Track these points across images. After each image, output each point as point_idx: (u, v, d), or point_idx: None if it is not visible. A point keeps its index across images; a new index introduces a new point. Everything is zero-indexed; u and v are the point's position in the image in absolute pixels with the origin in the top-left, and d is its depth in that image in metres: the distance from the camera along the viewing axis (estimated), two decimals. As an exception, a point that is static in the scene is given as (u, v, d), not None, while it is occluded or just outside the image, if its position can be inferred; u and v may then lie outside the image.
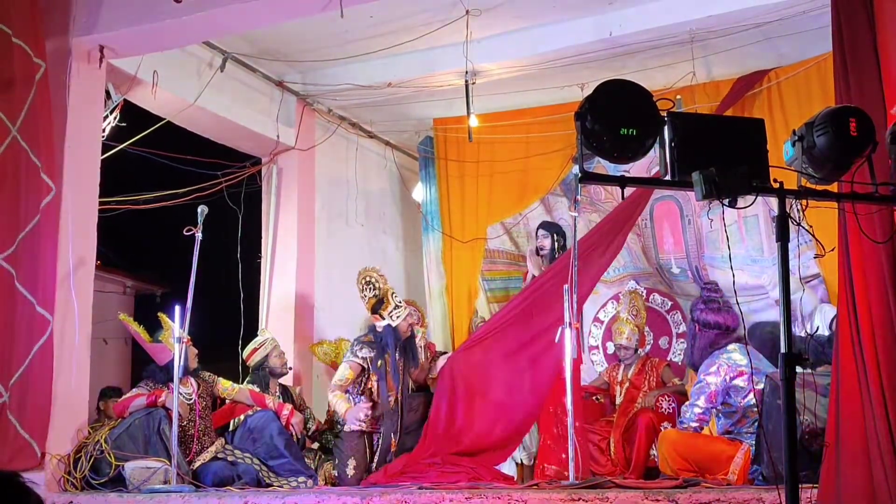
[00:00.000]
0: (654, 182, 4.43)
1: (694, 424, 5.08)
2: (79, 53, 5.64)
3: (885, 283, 3.76)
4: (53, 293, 5.22)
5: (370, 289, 6.01)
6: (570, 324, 5.15)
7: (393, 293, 6.02)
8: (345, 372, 5.90)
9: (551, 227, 7.01)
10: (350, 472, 5.74)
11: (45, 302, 5.19)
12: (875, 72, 3.97)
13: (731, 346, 5.16)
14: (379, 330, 5.95)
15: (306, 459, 5.89)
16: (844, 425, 3.77)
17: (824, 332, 5.63)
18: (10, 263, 5.22)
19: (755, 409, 4.94)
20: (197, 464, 5.46)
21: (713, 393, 5.02)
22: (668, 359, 6.98)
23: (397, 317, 5.93)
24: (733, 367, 5.05)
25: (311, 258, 7.62)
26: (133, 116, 6.63)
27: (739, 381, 5.03)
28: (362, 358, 5.92)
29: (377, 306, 5.95)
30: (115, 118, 6.32)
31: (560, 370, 5.42)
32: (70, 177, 5.49)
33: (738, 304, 5.37)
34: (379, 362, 5.89)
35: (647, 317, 6.51)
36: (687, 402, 5.25)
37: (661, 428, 5.75)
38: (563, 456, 5.60)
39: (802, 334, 5.72)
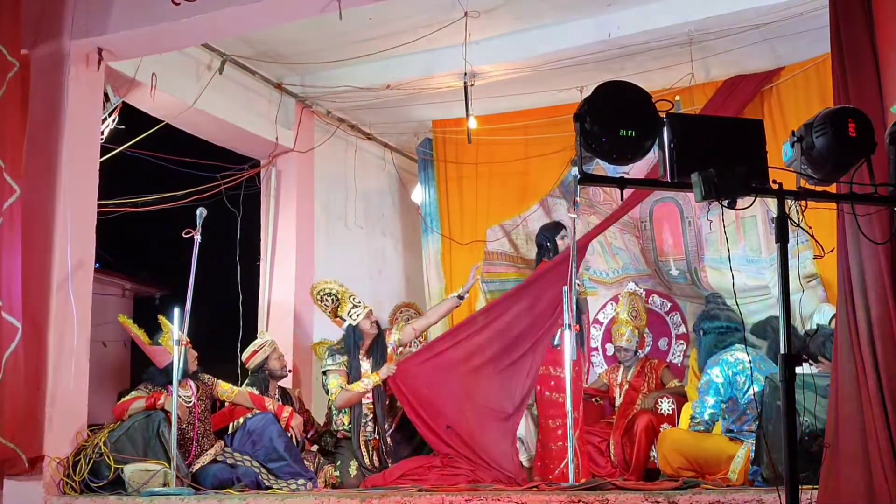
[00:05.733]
0: (654, 183, 4.43)
1: (706, 418, 5.08)
2: (77, 56, 5.63)
3: (884, 283, 3.76)
4: (20, 298, 5.13)
5: (330, 298, 6.08)
6: (569, 325, 5.16)
7: (350, 295, 6.09)
8: (336, 382, 5.93)
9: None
10: (353, 472, 5.75)
11: (12, 308, 5.11)
12: (873, 73, 3.96)
13: (735, 346, 5.17)
14: (345, 333, 6.06)
15: (306, 462, 5.88)
16: (844, 426, 3.76)
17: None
18: None
19: (756, 406, 4.94)
20: (196, 466, 5.46)
21: (721, 385, 5.02)
22: (668, 360, 6.98)
23: (357, 315, 6.01)
24: (736, 363, 5.05)
25: (311, 260, 7.62)
26: (132, 119, 6.64)
27: (741, 378, 5.04)
28: (339, 364, 5.99)
29: (337, 311, 6.06)
30: (113, 120, 6.32)
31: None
32: (68, 179, 5.49)
33: (737, 304, 5.37)
34: (352, 363, 5.97)
35: (646, 318, 6.51)
36: (696, 400, 5.24)
37: (661, 429, 5.75)
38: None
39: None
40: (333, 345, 6.14)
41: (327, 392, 6.06)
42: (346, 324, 6.04)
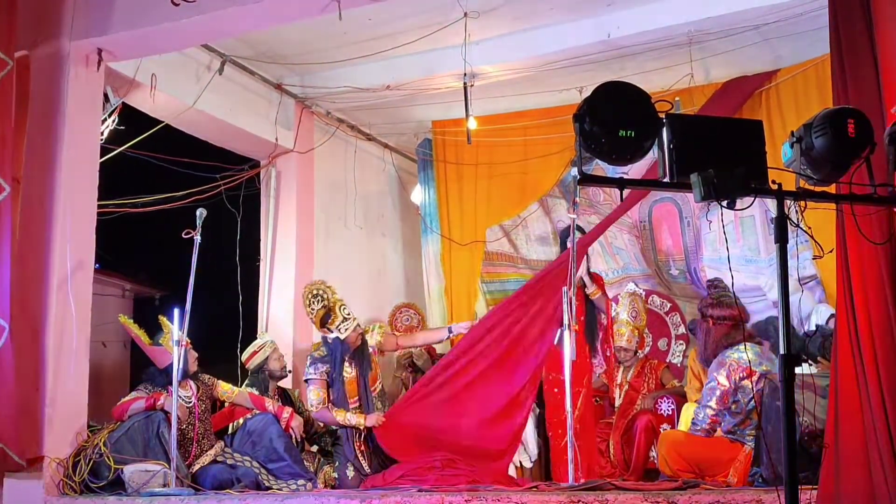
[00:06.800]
0: (653, 184, 4.43)
1: (706, 426, 5.03)
2: (77, 57, 5.64)
3: (883, 284, 3.76)
4: (7, 298, 5.09)
5: (318, 301, 5.99)
6: (569, 325, 5.16)
7: (341, 305, 5.98)
8: (317, 394, 5.87)
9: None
10: (350, 474, 5.74)
11: None
12: (873, 73, 3.97)
13: (741, 346, 5.12)
14: (329, 342, 5.96)
15: (305, 462, 5.88)
16: (843, 426, 3.76)
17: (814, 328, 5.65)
18: None
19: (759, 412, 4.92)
20: (196, 467, 5.46)
21: (726, 392, 4.98)
22: (668, 360, 6.98)
23: (346, 329, 5.91)
24: (743, 367, 5.01)
25: (310, 261, 7.62)
26: (131, 119, 6.63)
27: (748, 382, 4.99)
28: (321, 374, 5.91)
29: (325, 319, 5.93)
30: (113, 121, 6.32)
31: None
32: (68, 179, 5.49)
33: (736, 304, 5.36)
34: (334, 374, 5.91)
35: (646, 319, 6.51)
36: (698, 404, 5.21)
37: (661, 430, 5.75)
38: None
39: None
40: (314, 351, 6.07)
41: (308, 402, 6.03)
42: (332, 335, 5.93)
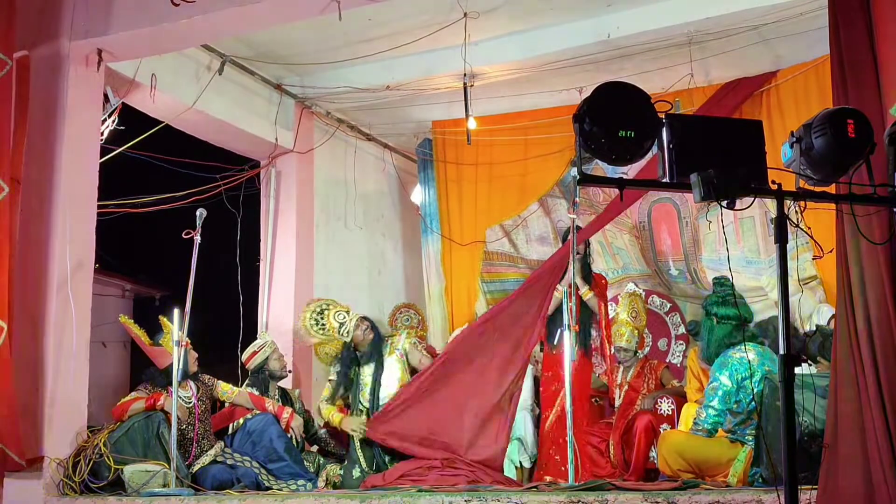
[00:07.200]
0: (653, 184, 4.44)
1: (708, 426, 5.01)
2: (77, 57, 5.64)
3: (883, 284, 3.76)
4: (6, 297, 5.09)
5: (324, 315, 6.15)
6: (569, 325, 5.17)
7: (336, 312, 6.17)
8: (326, 391, 6.19)
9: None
10: (356, 474, 5.76)
11: None
12: (872, 73, 3.96)
13: (743, 346, 5.12)
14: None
15: (306, 462, 5.89)
16: (843, 427, 3.76)
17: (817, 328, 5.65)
18: None
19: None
20: (196, 467, 5.46)
21: (728, 393, 4.97)
22: (667, 361, 6.98)
23: (347, 333, 6.10)
24: (745, 367, 5.00)
25: (310, 261, 7.63)
26: (131, 120, 6.64)
27: (749, 383, 4.99)
28: (335, 373, 6.14)
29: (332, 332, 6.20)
30: (113, 121, 6.32)
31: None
32: (68, 180, 5.49)
33: (736, 305, 5.36)
34: (350, 373, 6.10)
35: (646, 319, 6.50)
36: (700, 404, 5.20)
37: (661, 430, 5.75)
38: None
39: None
40: (339, 351, 6.26)
41: None
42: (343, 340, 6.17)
